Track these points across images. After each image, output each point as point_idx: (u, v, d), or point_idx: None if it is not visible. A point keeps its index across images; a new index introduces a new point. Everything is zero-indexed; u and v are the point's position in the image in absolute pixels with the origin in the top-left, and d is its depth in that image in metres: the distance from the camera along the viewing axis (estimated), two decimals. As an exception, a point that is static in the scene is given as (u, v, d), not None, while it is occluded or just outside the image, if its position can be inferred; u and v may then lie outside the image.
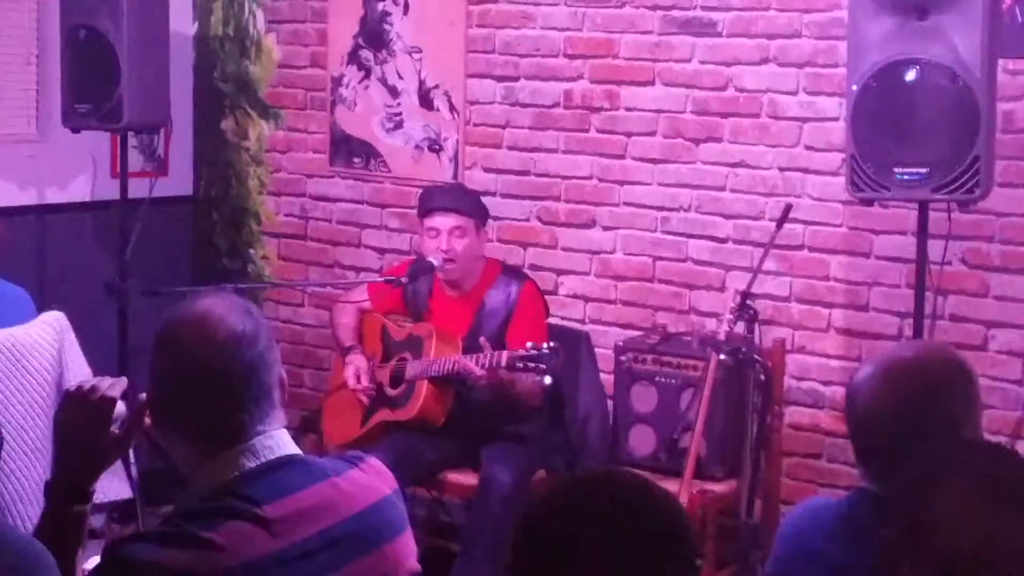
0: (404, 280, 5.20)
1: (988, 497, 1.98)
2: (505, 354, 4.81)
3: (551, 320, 5.34)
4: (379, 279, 5.42)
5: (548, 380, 4.78)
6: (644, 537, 1.93)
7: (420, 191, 5.55)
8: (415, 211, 5.76)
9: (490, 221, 5.46)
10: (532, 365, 4.75)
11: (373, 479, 2.54)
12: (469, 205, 5.20)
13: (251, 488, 2.38)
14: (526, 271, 5.48)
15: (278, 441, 2.45)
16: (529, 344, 4.79)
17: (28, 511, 4.21)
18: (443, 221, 5.15)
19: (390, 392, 5.22)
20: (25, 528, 3.72)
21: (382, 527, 2.50)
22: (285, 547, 2.37)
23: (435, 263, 5.14)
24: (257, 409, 2.43)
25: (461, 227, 5.12)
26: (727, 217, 5.46)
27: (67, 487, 2.50)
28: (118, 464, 2.58)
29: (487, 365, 4.83)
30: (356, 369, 5.27)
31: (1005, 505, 1.97)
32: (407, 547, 2.55)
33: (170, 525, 2.36)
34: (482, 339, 4.89)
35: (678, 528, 1.98)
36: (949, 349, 3.06)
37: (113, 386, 2.50)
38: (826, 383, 5.31)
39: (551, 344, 4.77)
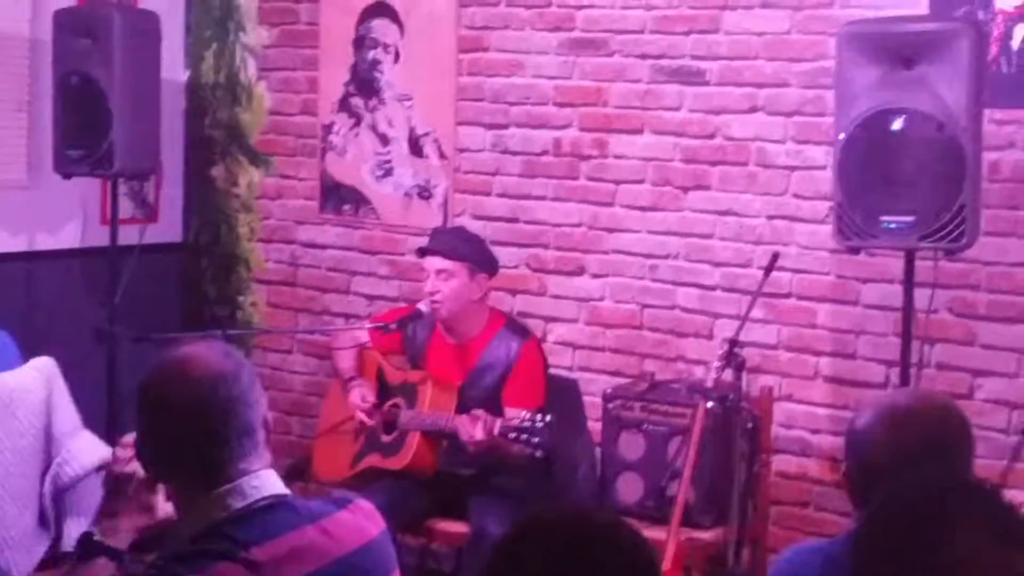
0: (393, 326, 5.20)
1: (999, 538, 1.99)
2: (499, 423, 4.80)
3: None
4: (368, 325, 5.42)
5: (539, 454, 4.76)
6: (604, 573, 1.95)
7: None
8: (405, 258, 5.79)
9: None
10: (525, 437, 4.74)
11: (361, 521, 2.54)
12: (459, 249, 5.15)
13: (238, 530, 2.39)
14: (527, 328, 5.37)
15: (264, 481, 2.46)
16: (524, 414, 4.78)
17: (17, 557, 4.19)
18: (431, 262, 5.15)
19: (383, 438, 5.22)
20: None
21: (370, 569, 2.51)
22: (272, 590, 2.37)
23: (424, 310, 5.14)
24: (239, 447, 2.44)
25: (447, 270, 5.10)
26: (715, 265, 5.48)
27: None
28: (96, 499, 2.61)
29: (481, 431, 4.81)
30: (361, 392, 5.27)
31: (1013, 545, 1.98)
32: (395, 590, 2.56)
33: (157, 568, 2.37)
34: (478, 411, 4.87)
35: (644, 566, 1.99)
36: (948, 399, 3.07)
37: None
38: (814, 431, 5.32)
39: (546, 418, 4.73)
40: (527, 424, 4.72)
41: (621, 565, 1.98)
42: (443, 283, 5.09)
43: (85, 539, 2.57)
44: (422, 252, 5.23)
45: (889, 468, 2.63)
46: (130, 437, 2.57)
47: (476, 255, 5.17)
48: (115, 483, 2.62)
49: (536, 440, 4.71)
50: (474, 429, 4.81)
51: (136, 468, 2.59)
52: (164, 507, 2.60)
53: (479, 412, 4.86)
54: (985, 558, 1.97)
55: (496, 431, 4.77)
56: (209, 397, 2.43)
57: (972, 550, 1.97)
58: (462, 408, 5.03)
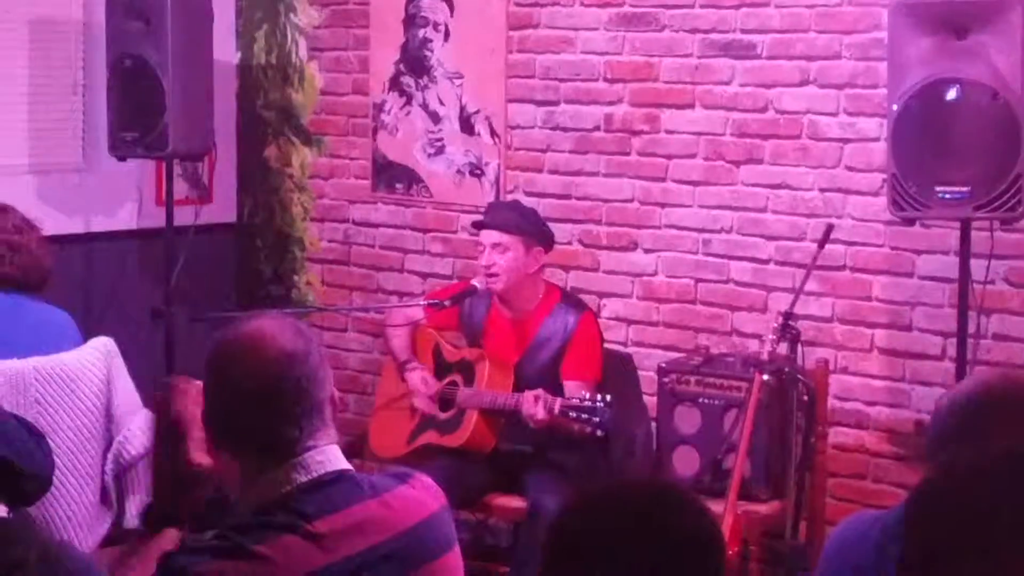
0: (446, 303, 5.22)
1: None
2: (559, 402, 4.81)
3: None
4: (423, 302, 5.44)
5: (600, 434, 4.77)
6: (670, 545, 1.96)
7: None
8: (457, 235, 5.80)
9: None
10: (585, 417, 4.75)
11: (422, 495, 2.57)
12: (514, 221, 5.14)
13: (302, 503, 2.42)
14: (583, 301, 5.37)
15: (329, 456, 2.49)
16: (584, 394, 4.79)
17: (79, 535, 4.24)
18: (486, 235, 5.16)
19: (439, 415, 5.24)
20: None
21: (431, 543, 2.53)
22: (334, 562, 2.40)
23: (478, 285, 5.16)
24: (308, 424, 2.47)
25: (502, 243, 5.10)
26: (768, 238, 5.47)
27: (159, 509, 2.58)
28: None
29: (542, 411, 4.82)
30: (422, 376, 5.29)
31: None
32: (455, 563, 2.58)
33: (222, 538, 2.40)
34: (538, 391, 4.88)
35: (706, 538, 2.00)
36: None
37: (194, 402, 2.56)
38: (870, 403, 5.30)
39: (606, 398, 4.75)
40: (588, 404, 4.74)
41: (685, 532, 1.99)
42: (499, 256, 5.10)
43: (149, 510, 2.59)
44: (478, 226, 5.24)
45: (954, 436, 2.63)
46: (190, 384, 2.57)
47: (531, 228, 5.16)
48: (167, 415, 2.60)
49: (596, 420, 4.72)
50: (535, 409, 4.82)
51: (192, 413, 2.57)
52: (196, 455, 2.57)
53: (539, 392, 4.87)
54: None
55: (557, 410, 4.79)
56: (283, 375, 2.45)
57: None
58: (519, 385, 5.05)
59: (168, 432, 2.57)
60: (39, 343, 4.35)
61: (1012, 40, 4.37)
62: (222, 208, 6.80)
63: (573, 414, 4.76)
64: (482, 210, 5.38)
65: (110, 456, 4.39)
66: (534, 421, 4.85)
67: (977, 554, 1.99)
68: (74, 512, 4.27)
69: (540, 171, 6.01)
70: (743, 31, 5.48)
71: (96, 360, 4.45)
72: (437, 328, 5.38)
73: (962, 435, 2.62)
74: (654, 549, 1.96)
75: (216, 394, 2.51)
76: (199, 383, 2.56)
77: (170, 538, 2.51)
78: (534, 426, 4.87)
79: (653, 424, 5.35)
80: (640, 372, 5.47)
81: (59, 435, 4.24)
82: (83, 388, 4.36)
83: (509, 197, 6.00)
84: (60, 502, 4.21)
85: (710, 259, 5.60)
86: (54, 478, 4.00)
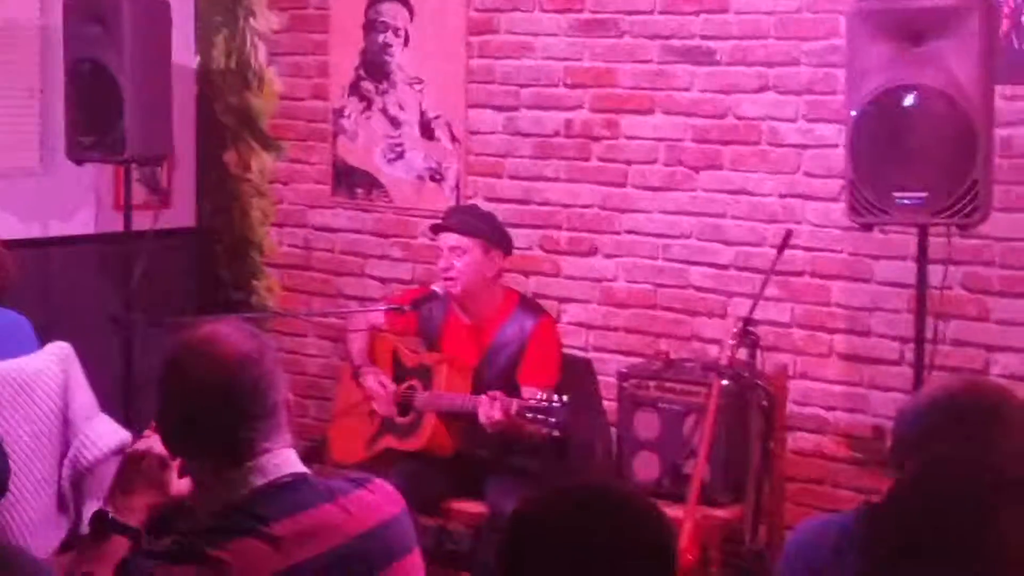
0: (407, 308, 5.21)
1: None
2: (516, 403, 4.81)
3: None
4: (382, 307, 5.43)
5: (556, 434, 4.77)
6: (623, 548, 1.97)
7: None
8: (418, 240, 5.78)
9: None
10: (542, 417, 4.75)
11: (380, 499, 2.57)
12: (472, 224, 5.15)
13: (259, 506, 2.41)
14: (541, 306, 5.37)
15: (285, 459, 2.49)
16: (541, 395, 4.79)
17: (35, 540, 4.22)
18: (445, 238, 5.16)
19: (398, 419, 5.23)
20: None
21: (389, 547, 2.53)
22: (292, 565, 2.40)
23: (438, 291, 5.16)
24: (263, 426, 2.47)
25: (460, 246, 5.10)
26: (728, 244, 5.49)
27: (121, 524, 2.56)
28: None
29: (499, 411, 4.82)
30: (377, 378, 5.27)
31: None
32: (416, 567, 2.57)
33: (179, 542, 2.39)
34: (495, 392, 4.88)
35: (660, 541, 2.01)
36: (995, 385, 3.05)
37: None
38: (828, 408, 5.32)
39: (562, 398, 4.74)
40: (544, 404, 4.74)
41: (638, 536, 2.00)
42: (457, 259, 5.10)
43: (98, 517, 2.58)
44: (436, 229, 5.24)
45: (917, 442, 2.64)
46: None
47: (490, 232, 5.17)
48: (129, 459, 2.63)
49: (553, 420, 4.72)
50: (492, 409, 4.82)
51: (151, 444, 2.60)
52: (177, 484, 2.61)
53: (496, 393, 4.87)
54: None
55: (513, 411, 4.79)
56: (236, 376, 2.46)
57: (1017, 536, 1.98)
58: (477, 389, 5.05)
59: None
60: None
61: (969, 47, 4.40)
62: (181, 213, 6.77)
63: (530, 414, 4.75)
64: (442, 215, 5.37)
65: (67, 461, 4.37)
66: (490, 424, 4.84)
67: (939, 558, 2.01)
68: (30, 517, 4.25)
69: (500, 176, 6.01)
70: (702, 37, 5.49)
71: (53, 365, 4.43)
72: (396, 333, 5.37)
73: (925, 442, 2.63)
74: (606, 553, 1.97)
75: (171, 397, 2.51)
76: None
77: (119, 545, 2.51)
78: (489, 429, 4.87)
79: (613, 429, 5.35)
80: (600, 377, 5.48)
81: (15, 440, 4.22)
82: (39, 393, 4.34)
83: (469, 202, 5.99)
84: (16, 507, 4.19)
85: (670, 264, 5.62)
86: (10, 484, 3.99)
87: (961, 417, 2.66)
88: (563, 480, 2.02)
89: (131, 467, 2.62)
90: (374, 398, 5.26)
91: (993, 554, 2.03)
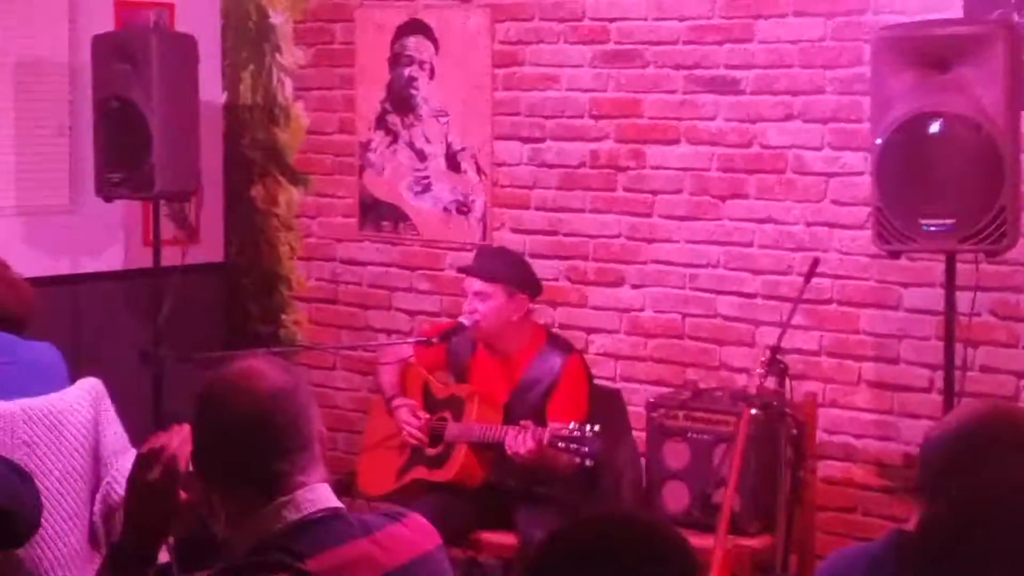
0: (435, 340, 5.23)
1: None
2: (548, 433, 4.81)
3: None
4: (411, 340, 5.44)
5: (588, 463, 4.77)
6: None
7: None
8: (445, 272, 5.80)
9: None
10: (574, 447, 4.75)
11: (415, 534, 2.57)
12: (496, 270, 5.15)
13: (293, 542, 2.42)
14: (570, 343, 5.35)
15: (320, 494, 2.49)
16: (573, 425, 4.78)
17: (67, 576, 4.23)
18: (469, 283, 5.18)
19: (428, 451, 5.24)
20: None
21: (424, 583, 2.53)
22: (327, 601, 2.39)
23: (466, 323, 5.17)
24: (298, 460, 2.48)
25: (483, 292, 5.12)
26: (755, 273, 5.49)
27: (137, 549, 2.54)
28: None
29: (531, 441, 4.82)
30: (410, 409, 5.28)
31: None
32: (449, 602, 2.58)
33: (213, 579, 2.40)
34: (526, 422, 4.88)
35: (683, 570, 2.01)
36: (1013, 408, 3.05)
37: (183, 442, 2.55)
38: (858, 436, 5.31)
39: (594, 428, 4.75)
40: (576, 434, 4.74)
41: (664, 567, 1.99)
42: (480, 303, 5.12)
43: (117, 551, 2.57)
44: (463, 271, 5.28)
45: (946, 468, 2.63)
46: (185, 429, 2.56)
47: (514, 276, 5.17)
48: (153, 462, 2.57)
49: (585, 449, 4.72)
50: (520, 440, 4.83)
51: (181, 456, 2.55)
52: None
53: (526, 423, 4.87)
54: None
55: (546, 440, 4.79)
56: (272, 410, 2.47)
57: None
58: (508, 423, 5.04)
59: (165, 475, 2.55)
60: (28, 382, 4.34)
61: (994, 73, 4.40)
62: (209, 248, 6.81)
63: (562, 444, 4.76)
64: (469, 248, 5.40)
65: (98, 497, 4.38)
66: (519, 456, 4.84)
67: None
68: (62, 553, 4.25)
69: (526, 208, 6.02)
70: (727, 67, 5.50)
71: (84, 401, 4.44)
72: (426, 366, 5.38)
73: (954, 468, 2.62)
74: None
75: (206, 431, 2.51)
76: (187, 427, 2.56)
77: None
78: (521, 458, 4.87)
79: (642, 459, 5.34)
80: (629, 407, 5.47)
81: (47, 477, 4.23)
82: (71, 429, 4.35)
83: (496, 234, 6.01)
84: (48, 543, 4.20)
85: (697, 294, 5.62)
86: (42, 519, 4.00)
87: (989, 441, 2.65)
88: (592, 510, 2.03)
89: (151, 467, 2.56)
90: (406, 428, 5.26)
91: None
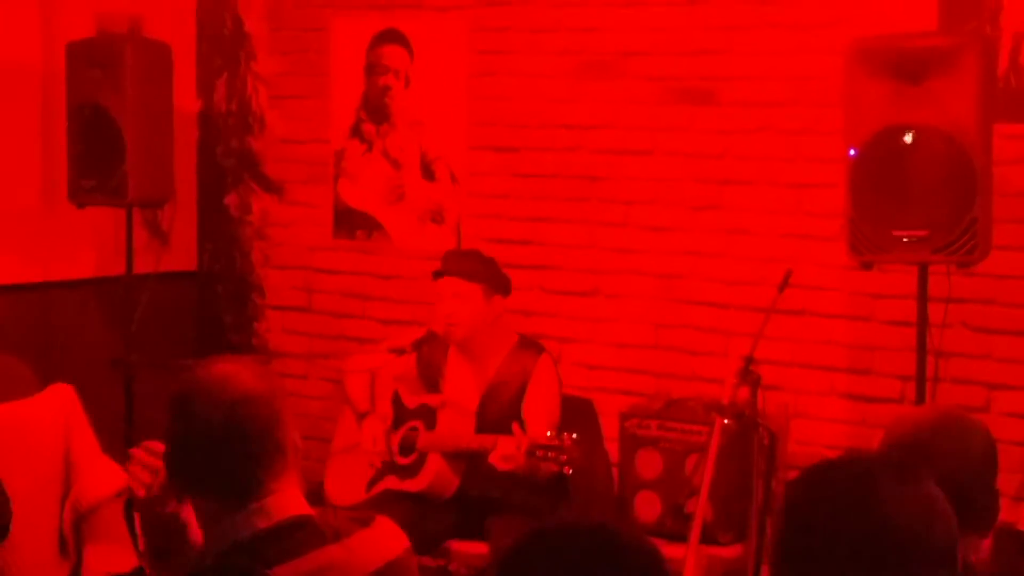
0: (407, 349, 5.22)
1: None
2: (526, 442, 4.81)
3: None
4: (382, 349, 5.43)
5: (568, 471, 4.77)
6: None
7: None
8: (418, 282, 5.79)
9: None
10: (553, 455, 4.75)
11: (384, 538, 2.56)
12: (475, 270, 5.17)
13: (263, 549, 2.41)
14: (541, 344, 5.34)
15: (291, 501, 2.48)
16: (550, 433, 4.79)
17: (35, 583, 4.21)
18: (447, 284, 5.17)
19: (399, 460, 5.23)
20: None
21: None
22: (295, 608, 2.39)
23: (438, 332, 5.16)
24: (270, 466, 2.47)
25: (461, 292, 5.13)
26: (728, 283, 5.49)
27: None
28: (124, 535, 2.60)
29: (508, 452, 4.81)
30: (373, 433, 5.27)
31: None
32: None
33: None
34: (515, 424, 4.88)
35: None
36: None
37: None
38: (830, 447, 5.31)
39: (573, 435, 4.76)
40: (555, 443, 4.74)
41: (633, 573, 1.99)
42: (459, 305, 5.11)
43: None
44: (437, 275, 5.25)
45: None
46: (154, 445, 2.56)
47: (491, 277, 5.19)
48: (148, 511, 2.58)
49: (564, 457, 4.72)
50: (503, 448, 4.82)
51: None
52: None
53: (516, 428, 4.86)
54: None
55: (524, 448, 4.78)
56: (245, 416, 2.45)
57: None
58: (480, 429, 5.04)
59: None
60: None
61: (967, 85, 4.42)
62: (182, 256, 6.78)
63: (540, 452, 4.75)
64: (441, 259, 5.38)
65: (68, 504, 4.37)
66: (502, 462, 4.83)
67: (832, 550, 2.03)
68: (31, 559, 4.24)
69: (501, 217, 6.02)
70: (701, 78, 5.51)
71: (53, 408, 4.43)
72: (396, 375, 5.37)
73: None
74: None
75: (179, 436, 2.50)
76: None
77: None
78: (501, 467, 4.86)
79: (615, 469, 5.34)
80: (601, 417, 5.47)
81: (17, 483, 4.21)
82: (39, 436, 4.34)
83: (470, 244, 6.01)
84: (17, 549, 4.18)
85: (671, 304, 5.62)
86: (11, 526, 3.98)
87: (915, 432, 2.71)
88: (563, 518, 2.02)
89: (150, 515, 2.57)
90: (366, 449, 5.25)
91: (880, 536, 2.05)
